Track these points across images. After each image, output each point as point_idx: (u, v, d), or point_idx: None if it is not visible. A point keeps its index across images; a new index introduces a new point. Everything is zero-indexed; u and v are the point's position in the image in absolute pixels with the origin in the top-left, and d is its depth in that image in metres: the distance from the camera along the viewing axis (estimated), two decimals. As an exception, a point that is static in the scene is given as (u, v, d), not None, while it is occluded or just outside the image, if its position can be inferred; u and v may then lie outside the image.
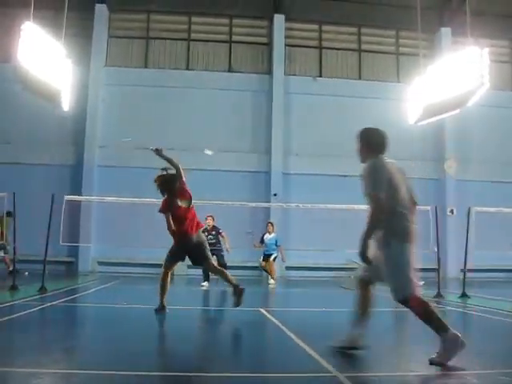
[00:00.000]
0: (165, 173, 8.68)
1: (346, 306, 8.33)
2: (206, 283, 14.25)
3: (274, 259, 16.82)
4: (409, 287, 4.87)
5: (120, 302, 9.95)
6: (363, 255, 4.92)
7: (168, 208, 8.43)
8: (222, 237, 15.11)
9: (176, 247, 8.44)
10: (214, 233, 14.85)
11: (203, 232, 13.36)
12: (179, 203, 8.40)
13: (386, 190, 5.07)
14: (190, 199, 8.47)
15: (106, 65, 22.16)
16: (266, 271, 17.10)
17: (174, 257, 8.50)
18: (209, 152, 13.13)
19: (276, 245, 16.71)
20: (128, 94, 21.64)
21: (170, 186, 8.53)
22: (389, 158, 5.46)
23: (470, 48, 10.46)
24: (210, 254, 8.48)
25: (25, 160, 20.28)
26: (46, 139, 20.77)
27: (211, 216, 15.08)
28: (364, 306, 5.34)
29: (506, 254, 16.08)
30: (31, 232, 16.75)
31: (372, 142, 5.70)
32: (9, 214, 16.68)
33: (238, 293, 8.15)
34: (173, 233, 8.41)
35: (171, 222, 8.39)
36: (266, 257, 16.78)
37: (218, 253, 14.40)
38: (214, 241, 14.56)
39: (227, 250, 14.94)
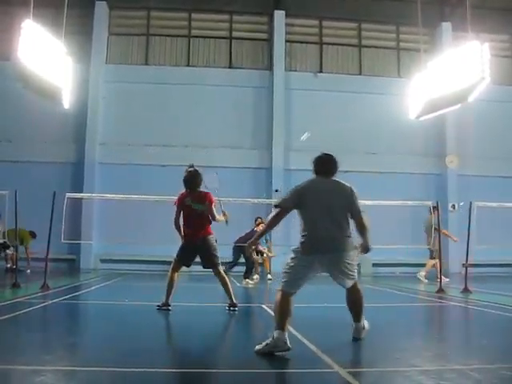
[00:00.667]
0: (191, 169, 8.64)
1: (344, 302, 8.36)
2: (255, 276, 14.57)
3: (262, 254, 16.79)
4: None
5: (122, 300, 9.97)
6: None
7: (180, 202, 8.50)
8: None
9: (182, 246, 8.49)
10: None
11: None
12: (191, 203, 8.36)
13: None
14: (205, 204, 8.38)
15: (106, 62, 22.15)
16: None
17: (181, 257, 8.54)
18: (305, 136, 13.22)
19: (266, 239, 16.69)
20: (129, 91, 21.63)
21: (191, 182, 8.52)
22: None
23: (471, 43, 10.43)
24: (217, 259, 8.41)
25: (26, 158, 20.29)
26: (47, 137, 20.77)
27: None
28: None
29: (507, 249, 16.07)
30: (33, 230, 16.86)
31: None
32: (33, 234, 16.90)
33: (232, 309, 8.16)
34: (178, 229, 8.43)
35: (178, 217, 8.47)
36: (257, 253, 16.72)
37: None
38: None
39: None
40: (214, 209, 8.44)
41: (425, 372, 4.53)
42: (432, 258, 15.28)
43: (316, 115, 21.86)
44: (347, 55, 23.38)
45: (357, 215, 5.83)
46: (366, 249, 5.92)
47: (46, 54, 10.06)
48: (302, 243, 5.72)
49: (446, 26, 22.76)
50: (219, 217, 8.66)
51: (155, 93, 21.69)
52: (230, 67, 22.76)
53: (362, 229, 5.88)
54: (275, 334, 5.23)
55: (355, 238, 5.84)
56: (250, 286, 14.07)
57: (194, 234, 8.32)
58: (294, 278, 5.59)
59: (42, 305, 8.89)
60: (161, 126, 21.50)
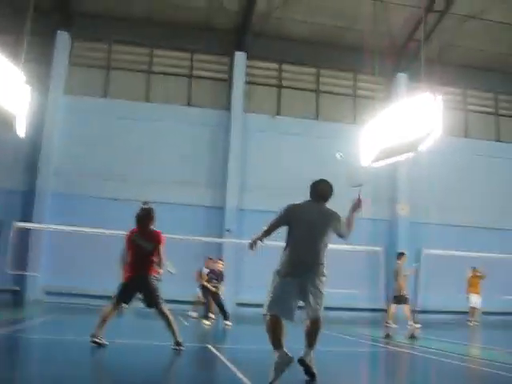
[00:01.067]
0: (146, 206, 8.53)
1: (297, 343, 8.33)
2: (227, 322, 14.27)
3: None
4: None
5: (66, 335, 9.72)
6: None
7: (128, 239, 8.35)
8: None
9: (124, 284, 8.21)
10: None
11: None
12: (139, 241, 8.21)
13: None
14: (154, 243, 8.21)
15: (65, 92, 21.96)
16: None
17: (122, 295, 8.22)
18: (339, 156, 13.17)
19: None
20: (86, 122, 21.46)
21: (143, 219, 8.41)
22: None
23: (424, 94, 10.75)
24: (159, 298, 8.19)
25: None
26: (-1, 163, 20.37)
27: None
28: None
29: (454, 297, 16.34)
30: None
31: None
32: None
33: (178, 348, 7.95)
34: (121, 265, 8.27)
35: (126, 253, 8.33)
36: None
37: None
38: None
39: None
40: (162, 250, 8.24)
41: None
42: (394, 303, 15.44)
43: (272, 157, 22.06)
44: (305, 99, 23.77)
45: (342, 231, 6.54)
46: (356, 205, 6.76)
47: (3, 81, 9.95)
48: (282, 265, 5.96)
49: (402, 76, 23.44)
50: (167, 262, 8.56)
51: (113, 126, 21.59)
52: (188, 105, 22.85)
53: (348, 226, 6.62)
54: (276, 354, 5.54)
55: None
56: (206, 326, 13.90)
57: (138, 272, 8.10)
58: (276, 299, 5.75)
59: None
60: (117, 159, 21.35)
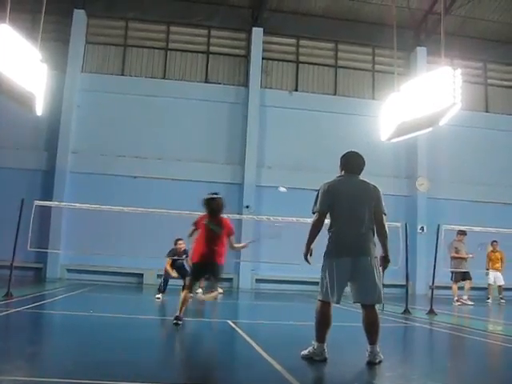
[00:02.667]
0: (217, 197, 8.89)
1: (311, 320, 8.37)
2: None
3: None
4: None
5: (87, 311, 9.84)
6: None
7: (200, 225, 8.70)
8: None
9: (195, 264, 8.53)
10: (184, 256, 14.72)
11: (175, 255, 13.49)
12: (213, 227, 8.59)
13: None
14: (224, 228, 8.68)
15: (82, 71, 22.00)
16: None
17: (195, 274, 8.62)
18: (283, 189, 13.41)
19: None
20: (103, 100, 21.53)
21: (217, 210, 8.79)
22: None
23: (444, 68, 10.60)
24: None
25: (-5, 163, 20.02)
26: (19, 143, 20.55)
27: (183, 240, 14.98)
28: None
29: (473, 272, 16.25)
30: (-1, 236, 16.55)
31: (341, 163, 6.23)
32: None
33: (175, 321, 8.06)
34: (194, 248, 8.61)
35: (193, 235, 8.78)
36: None
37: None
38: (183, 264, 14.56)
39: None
40: (232, 236, 8.78)
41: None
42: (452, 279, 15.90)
43: (289, 133, 21.98)
44: (323, 75, 23.57)
45: (380, 216, 5.83)
46: (386, 260, 5.82)
47: (20, 60, 9.97)
48: (329, 245, 5.72)
49: (421, 50, 23.14)
50: (237, 245, 9.10)
51: (130, 103, 21.62)
52: (205, 81, 22.78)
53: (382, 233, 5.83)
54: (315, 345, 5.58)
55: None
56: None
57: (208, 258, 8.43)
58: (330, 285, 5.57)
59: (4, 313, 8.73)
60: (134, 137, 21.42)
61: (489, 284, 17.23)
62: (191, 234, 8.84)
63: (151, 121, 21.67)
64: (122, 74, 22.40)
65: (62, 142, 20.89)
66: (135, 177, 20.90)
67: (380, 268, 5.71)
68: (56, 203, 18.08)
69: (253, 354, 6.14)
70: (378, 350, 5.57)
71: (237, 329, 8.31)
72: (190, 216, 15.74)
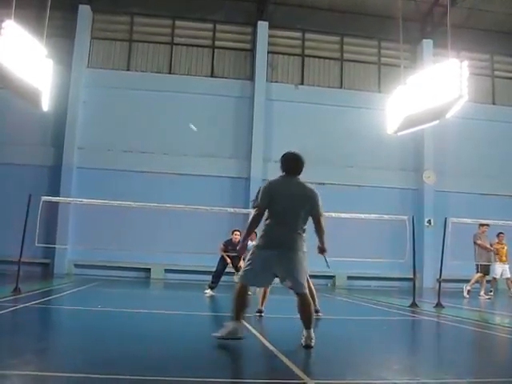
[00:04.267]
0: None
1: (323, 313, 8.36)
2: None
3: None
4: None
5: (95, 306, 9.88)
6: None
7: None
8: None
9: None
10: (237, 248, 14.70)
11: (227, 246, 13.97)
12: None
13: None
14: None
15: (87, 66, 22.03)
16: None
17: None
18: (193, 127, 13.34)
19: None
20: (109, 96, 21.56)
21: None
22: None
23: (450, 60, 10.55)
24: None
25: (1, 160, 20.07)
26: (25, 140, 20.59)
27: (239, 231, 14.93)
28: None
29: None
30: (6, 232, 16.64)
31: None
32: None
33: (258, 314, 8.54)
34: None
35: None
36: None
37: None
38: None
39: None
40: None
41: (394, 385, 4.55)
42: (478, 272, 15.95)
43: (296, 127, 21.94)
44: (329, 68, 23.52)
45: (317, 217, 6.26)
46: (322, 250, 6.40)
47: (26, 56, 9.98)
48: (261, 238, 6.17)
49: (428, 42, 23.04)
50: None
51: (136, 99, 21.63)
52: (211, 76, 22.75)
53: (320, 231, 6.31)
54: (231, 324, 6.04)
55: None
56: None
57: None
58: (252, 271, 6.08)
59: (12, 308, 8.77)
60: (140, 132, 21.44)
61: (494, 277, 17.10)
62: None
63: (157, 116, 21.69)
64: (128, 69, 22.40)
65: (68, 138, 20.93)
66: (142, 172, 20.93)
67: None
68: (63, 199, 18.14)
69: (260, 347, 6.15)
70: (313, 334, 5.94)
71: (245, 322, 8.31)
72: (197, 211, 15.87)
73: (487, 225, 15.88)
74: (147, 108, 21.73)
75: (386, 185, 21.95)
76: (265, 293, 8.66)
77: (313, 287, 8.63)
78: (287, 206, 6.09)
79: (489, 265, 15.96)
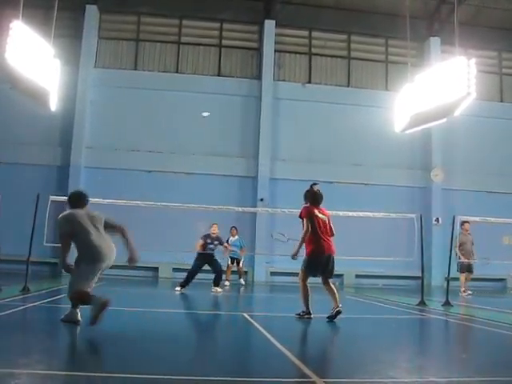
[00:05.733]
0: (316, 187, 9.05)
1: (327, 312, 8.37)
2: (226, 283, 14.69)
3: (238, 263, 17.43)
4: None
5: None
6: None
7: (309, 215, 8.70)
8: (225, 247, 15.56)
9: (312, 258, 8.57)
10: (216, 242, 14.78)
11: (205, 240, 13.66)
12: (319, 213, 8.73)
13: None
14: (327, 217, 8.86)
15: (95, 66, 22.09)
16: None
17: (314, 268, 8.64)
18: (206, 114, 13.41)
19: (240, 247, 17.08)
20: (117, 95, 21.61)
21: (318, 200, 8.95)
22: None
23: (458, 58, 10.51)
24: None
25: (11, 159, 20.16)
26: (33, 139, 20.70)
27: (216, 224, 15.09)
28: None
29: (489, 264, 16.15)
30: (15, 232, 16.68)
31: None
32: None
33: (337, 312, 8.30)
34: (308, 241, 8.59)
35: (309, 229, 8.60)
36: (233, 260, 17.38)
37: (213, 260, 14.45)
38: (213, 251, 14.62)
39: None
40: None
41: (402, 384, 4.55)
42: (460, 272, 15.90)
43: (303, 125, 21.95)
44: (336, 67, 23.49)
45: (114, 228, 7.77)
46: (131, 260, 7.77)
47: (34, 56, 10.01)
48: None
49: (435, 40, 22.98)
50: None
51: (143, 98, 21.68)
52: (218, 75, 22.77)
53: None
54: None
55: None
56: (219, 293, 13.97)
57: (328, 247, 8.56)
58: (85, 277, 7.29)
59: (21, 308, 8.81)
60: (148, 131, 21.48)
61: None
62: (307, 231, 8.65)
63: (164, 115, 21.72)
64: (135, 69, 22.45)
65: (76, 138, 21.00)
66: (149, 171, 20.98)
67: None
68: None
69: (268, 346, 6.15)
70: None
71: (252, 321, 8.32)
72: (204, 210, 15.87)
73: (467, 221, 15.70)
74: (154, 107, 21.77)
75: (393, 183, 21.90)
76: (306, 296, 8.67)
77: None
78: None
79: (469, 264, 15.82)
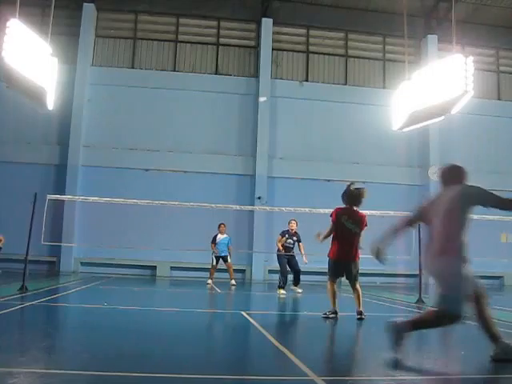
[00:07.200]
0: (353, 187, 8.90)
1: (325, 310, 8.36)
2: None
3: (225, 261, 16.64)
4: None
5: (101, 303, 9.89)
6: None
7: (336, 218, 8.69)
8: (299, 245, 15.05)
9: (334, 263, 8.71)
10: (295, 238, 14.63)
11: (284, 235, 13.95)
12: (346, 221, 8.62)
13: None
14: (360, 227, 8.71)
15: (92, 64, 22.07)
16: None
17: (335, 272, 8.78)
18: (263, 99, 13.43)
19: (227, 245, 16.59)
20: (114, 93, 21.60)
21: (354, 200, 8.77)
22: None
23: (455, 56, 10.51)
24: (357, 277, 8.83)
25: (8, 158, 20.14)
26: (31, 138, 20.70)
27: (295, 220, 14.85)
28: None
29: (486, 261, 16.17)
30: (13, 231, 16.66)
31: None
32: None
33: (360, 317, 8.42)
34: (333, 244, 8.71)
35: (330, 232, 8.74)
36: (218, 258, 16.53)
37: (293, 259, 14.38)
38: (292, 246, 14.51)
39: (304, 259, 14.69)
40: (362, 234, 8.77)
41: (400, 382, 4.54)
42: None
43: (301, 124, 21.96)
44: (333, 65, 23.49)
45: None
46: None
47: (31, 54, 9.98)
48: None
49: (432, 38, 22.97)
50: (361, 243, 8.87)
51: (140, 96, 21.67)
52: (216, 73, 22.76)
53: None
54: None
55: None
56: (299, 294, 13.95)
57: (345, 256, 8.63)
58: None
59: (19, 307, 8.80)
60: (145, 130, 21.47)
61: None
62: (329, 234, 8.76)
63: (162, 113, 21.72)
64: (132, 67, 22.43)
65: (73, 136, 20.98)
66: (147, 169, 20.97)
67: None
68: (69, 197, 18.18)
69: (266, 344, 6.15)
70: None
71: (250, 320, 8.32)
72: (202, 208, 15.88)
73: None
74: (152, 105, 21.76)
75: (391, 181, 21.91)
76: (333, 291, 8.79)
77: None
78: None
79: None
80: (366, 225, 8.77)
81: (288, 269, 14.25)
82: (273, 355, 5.41)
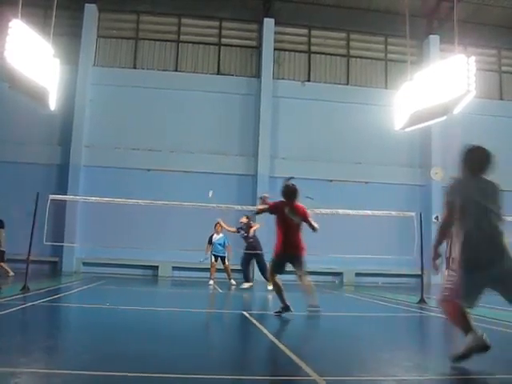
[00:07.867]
0: (290, 183, 9.08)
1: (327, 310, 8.37)
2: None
3: (223, 261, 16.65)
4: None
5: (103, 303, 9.90)
6: None
7: (276, 210, 8.97)
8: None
9: (280, 255, 8.80)
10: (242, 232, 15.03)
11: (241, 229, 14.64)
12: (289, 213, 8.80)
13: None
14: (304, 218, 8.87)
15: (94, 64, 22.09)
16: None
17: (279, 265, 8.89)
18: (210, 194, 13.79)
19: (224, 245, 16.58)
20: (116, 94, 21.61)
21: (292, 195, 8.92)
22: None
23: (457, 56, 10.52)
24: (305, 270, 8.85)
25: (10, 158, 20.16)
26: (33, 138, 20.71)
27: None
28: None
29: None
30: (15, 231, 16.67)
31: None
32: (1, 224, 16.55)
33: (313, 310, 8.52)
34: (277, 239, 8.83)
35: (263, 209, 9.40)
36: (216, 258, 16.55)
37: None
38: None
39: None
40: (311, 220, 8.89)
41: (402, 382, 4.54)
42: None
43: (302, 124, 21.95)
44: (335, 65, 23.49)
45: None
46: None
47: (33, 55, 10.01)
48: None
49: (434, 38, 22.96)
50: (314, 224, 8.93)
51: (142, 97, 21.68)
52: (218, 73, 22.77)
53: None
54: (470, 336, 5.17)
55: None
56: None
57: (289, 250, 8.71)
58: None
59: (21, 307, 8.81)
60: (147, 130, 21.47)
61: None
62: (260, 212, 9.37)
63: (164, 114, 21.73)
64: (134, 68, 22.45)
65: (75, 136, 21.00)
66: (149, 170, 20.98)
67: None
68: (71, 197, 18.20)
69: (268, 344, 6.15)
70: None
71: (252, 319, 8.33)
72: (204, 208, 15.87)
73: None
74: (154, 106, 21.77)
75: (393, 181, 21.90)
76: (280, 292, 8.84)
77: None
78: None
79: None
80: (309, 215, 8.96)
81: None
82: (275, 355, 5.41)
